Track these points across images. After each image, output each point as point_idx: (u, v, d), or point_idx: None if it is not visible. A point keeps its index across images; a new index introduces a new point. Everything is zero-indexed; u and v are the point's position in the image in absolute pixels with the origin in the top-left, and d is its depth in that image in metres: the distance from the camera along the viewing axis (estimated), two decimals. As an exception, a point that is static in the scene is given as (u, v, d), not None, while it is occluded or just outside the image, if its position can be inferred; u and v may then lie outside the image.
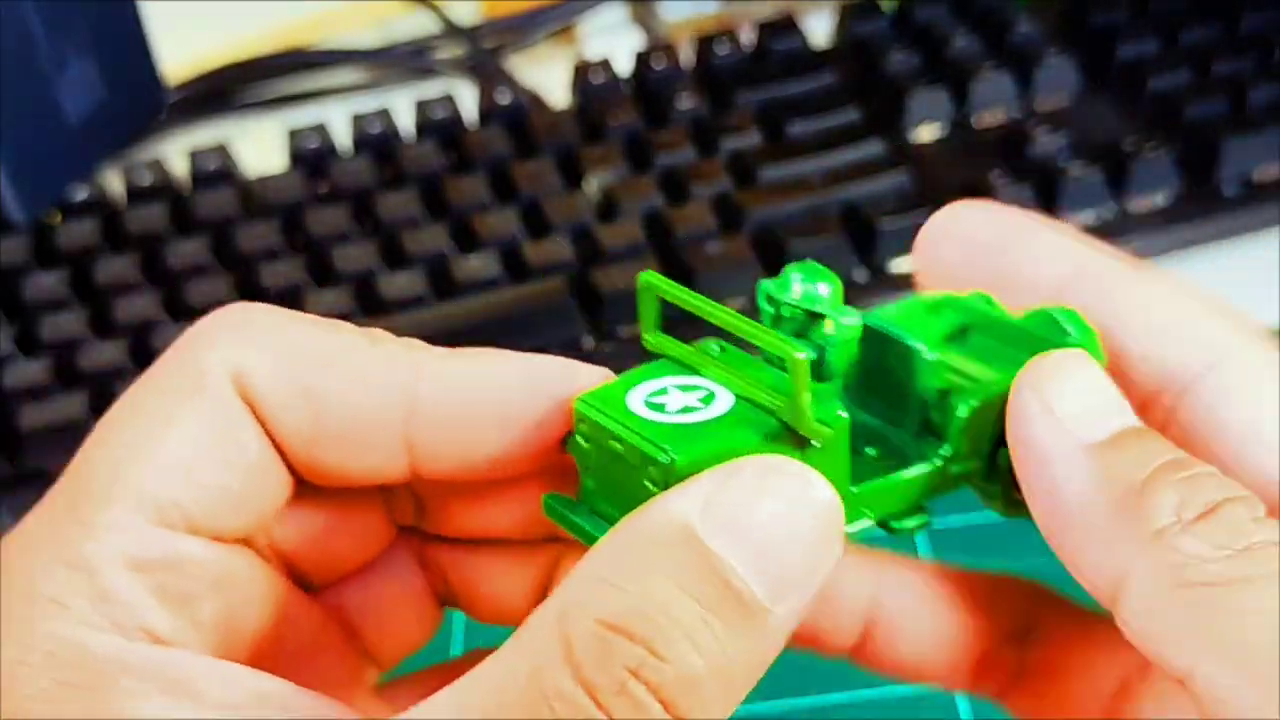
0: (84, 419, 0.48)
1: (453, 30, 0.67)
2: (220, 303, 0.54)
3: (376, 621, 0.27)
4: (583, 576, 0.21)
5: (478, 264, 0.51)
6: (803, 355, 0.22)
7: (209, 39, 0.68)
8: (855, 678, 0.38)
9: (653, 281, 0.25)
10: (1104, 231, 0.50)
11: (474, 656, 0.23)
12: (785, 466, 0.21)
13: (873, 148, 0.53)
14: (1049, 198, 0.50)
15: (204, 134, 0.65)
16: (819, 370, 0.24)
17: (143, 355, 0.49)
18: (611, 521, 0.23)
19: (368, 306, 0.50)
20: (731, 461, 0.21)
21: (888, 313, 0.26)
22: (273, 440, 0.24)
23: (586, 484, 0.24)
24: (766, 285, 0.25)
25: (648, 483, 0.23)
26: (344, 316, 0.49)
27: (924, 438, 0.25)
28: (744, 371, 0.24)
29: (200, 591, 0.23)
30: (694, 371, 0.25)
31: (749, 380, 0.24)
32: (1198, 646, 0.20)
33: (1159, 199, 0.51)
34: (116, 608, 0.22)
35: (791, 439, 0.23)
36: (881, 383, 0.25)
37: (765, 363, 0.24)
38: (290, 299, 0.50)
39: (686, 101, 0.56)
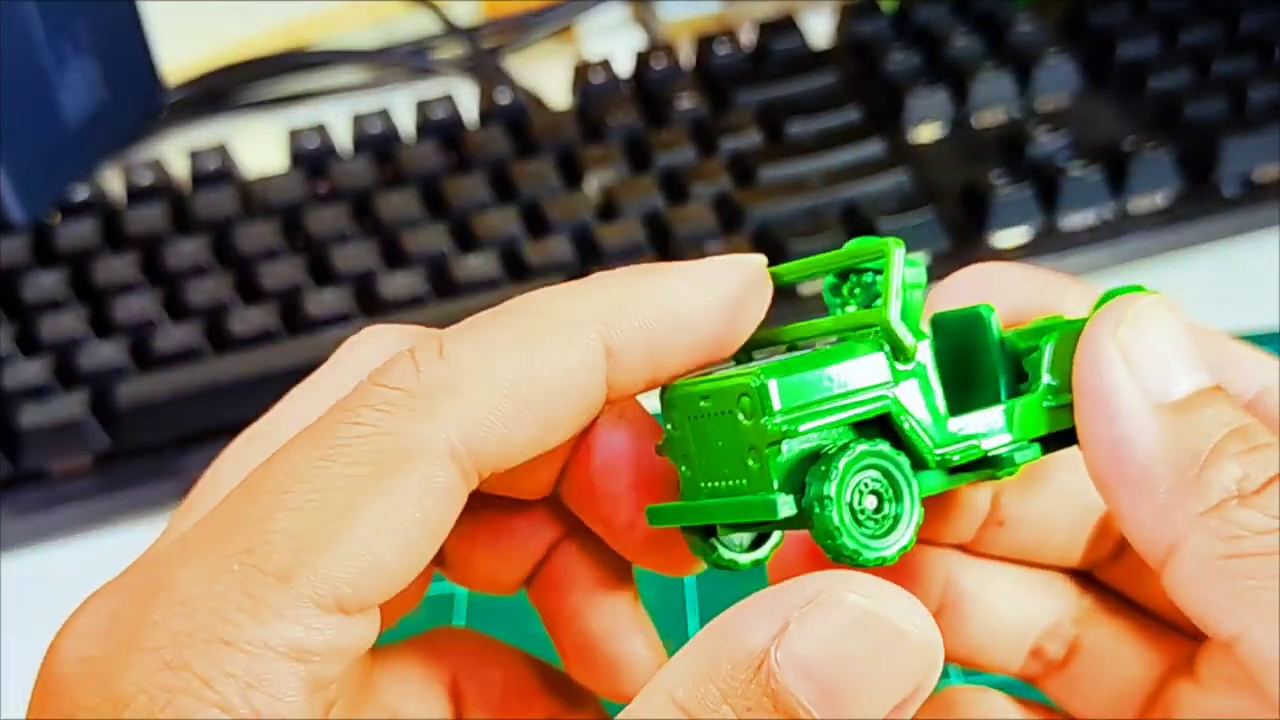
0: (84, 419, 0.48)
1: (453, 30, 0.67)
2: (220, 302, 0.54)
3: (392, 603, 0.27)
4: (659, 689, 0.20)
5: (478, 264, 0.51)
6: (898, 244, 0.23)
7: (209, 39, 0.68)
8: None
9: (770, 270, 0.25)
10: (1104, 231, 0.50)
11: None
12: (859, 601, 0.20)
13: (873, 148, 0.53)
14: (1049, 198, 0.50)
15: (204, 134, 0.65)
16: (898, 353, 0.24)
17: (143, 355, 0.49)
18: (717, 495, 0.23)
19: (368, 306, 0.50)
20: (811, 582, 0.20)
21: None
22: (485, 470, 0.23)
23: (684, 474, 0.24)
24: (831, 280, 0.26)
25: (741, 416, 0.22)
26: (344, 317, 0.50)
27: (1019, 391, 0.25)
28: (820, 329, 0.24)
29: (340, 672, 0.22)
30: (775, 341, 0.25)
31: (829, 324, 0.24)
32: (1247, 613, 0.21)
33: (1159, 199, 0.51)
34: (263, 696, 0.21)
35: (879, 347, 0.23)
36: (964, 368, 0.25)
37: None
38: (290, 299, 0.50)
39: (686, 101, 0.56)
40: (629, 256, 0.50)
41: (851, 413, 0.23)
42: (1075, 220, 0.50)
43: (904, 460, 0.23)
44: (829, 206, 0.51)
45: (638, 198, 0.52)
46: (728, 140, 0.54)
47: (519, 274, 0.51)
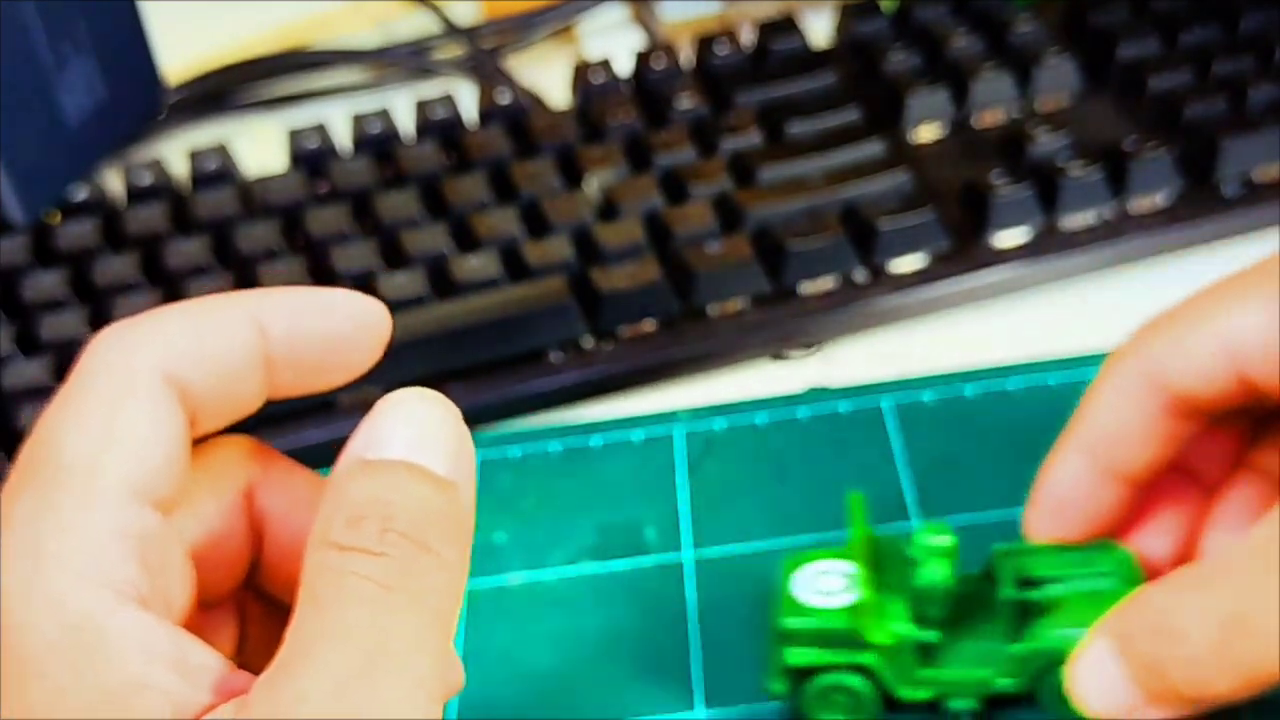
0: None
1: (453, 30, 0.67)
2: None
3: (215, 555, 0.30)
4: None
5: (478, 264, 0.51)
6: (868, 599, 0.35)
7: (209, 39, 0.68)
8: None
9: (853, 503, 0.37)
10: (1104, 231, 0.50)
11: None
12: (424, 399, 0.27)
13: (873, 148, 0.53)
14: (1049, 198, 0.50)
15: (204, 134, 0.65)
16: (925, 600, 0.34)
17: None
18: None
19: (368, 306, 0.50)
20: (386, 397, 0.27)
21: (1007, 552, 0.36)
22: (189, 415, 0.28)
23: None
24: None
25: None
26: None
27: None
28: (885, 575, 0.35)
29: (161, 563, 0.26)
30: (859, 562, 0.35)
31: (868, 582, 0.35)
32: None
33: (1159, 199, 0.51)
34: (111, 569, 0.25)
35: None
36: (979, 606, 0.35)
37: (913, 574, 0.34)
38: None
39: (686, 101, 0.56)
40: (629, 256, 0.50)
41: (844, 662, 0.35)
42: (1075, 220, 0.50)
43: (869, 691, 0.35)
44: (829, 206, 0.51)
45: (638, 198, 0.52)
46: (728, 140, 0.54)
47: (519, 274, 0.51)
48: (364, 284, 0.51)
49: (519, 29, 0.67)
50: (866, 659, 0.34)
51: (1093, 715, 0.32)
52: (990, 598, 0.35)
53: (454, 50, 0.67)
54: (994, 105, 0.55)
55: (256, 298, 0.29)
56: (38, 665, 0.24)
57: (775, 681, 0.35)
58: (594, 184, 0.54)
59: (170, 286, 0.52)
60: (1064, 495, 0.35)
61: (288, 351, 0.29)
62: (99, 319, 0.51)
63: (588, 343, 0.49)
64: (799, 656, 0.35)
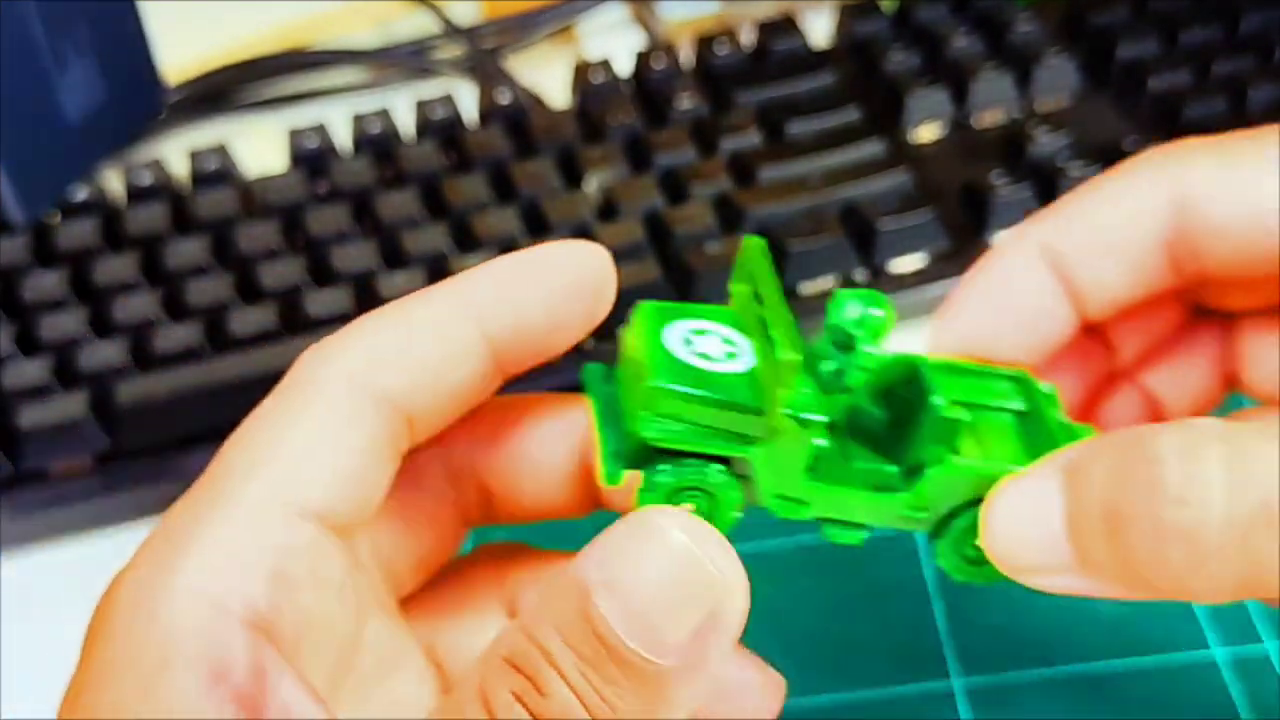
0: (84, 419, 0.48)
1: (453, 30, 0.67)
2: (220, 302, 0.54)
3: (410, 560, 0.30)
4: (521, 620, 0.24)
5: (478, 264, 0.50)
6: (790, 357, 0.25)
7: (209, 39, 0.68)
8: (856, 678, 0.38)
9: (750, 249, 0.28)
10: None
11: (506, 548, 0.30)
12: (664, 526, 0.23)
13: (873, 148, 0.53)
14: (1049, 198, 0.50)
15: (204, 134, 0.65)
16: (838, 380, 0.27)
17: (143, 355, 0.49)
18: (620, 415, 0.27)
19: (368, 306, 0.50)
20: (629, 517, 0.24)
21: (924, 359, 0.28)
22: (390, 426, 0.27)
23: (618, 372, 0.28)
24: (839, 296, 0.28)
25: (635, 397, 0.26)
26: (344, 317, 0.50)
27: (908, 478, 0.27)
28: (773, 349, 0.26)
29: (308, 578, 0.26)
30: (743, 330, 0.27)
31: (768, 358, 0.26)
32: None
33: (1159, 199, 0.51)
34: (228, 585, 0.25)
35: (760, 416, 0.26)
36: (894, 414, 0.28)
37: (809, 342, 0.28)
38: (290, 299, 0.50)
39: (686, 101, 0.56)
40: (629, 256, 0.50)
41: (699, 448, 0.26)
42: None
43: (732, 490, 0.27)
44: (829, 206, 0.51)
45: (638, 198, 0.52)
46: (728, 140, 0.54)
47: (519, 274, 0.51)
48: (364, 284, 0.51)
49: (519, 29, 0.67)
50: (751, 453, 0.26)
51: (1006, 567, 0.26)
52: (905, 410, 0.27)
53: (454, 50, 0.67)
54: (994, 105, 0.55)
55: (463, 286, 0.28)
56: (116, 676, 0.24)
57: (609, 464, 0.27)
58: (594, 184, 0.54)
59: (170, 286, 0.52)
60: (1017, 302, 0.30)
61: (510, 333, 0.28)
62: (99, 319, 0.51)
63: (588, 343, 0.49)
64: (663, 433, 0.26)
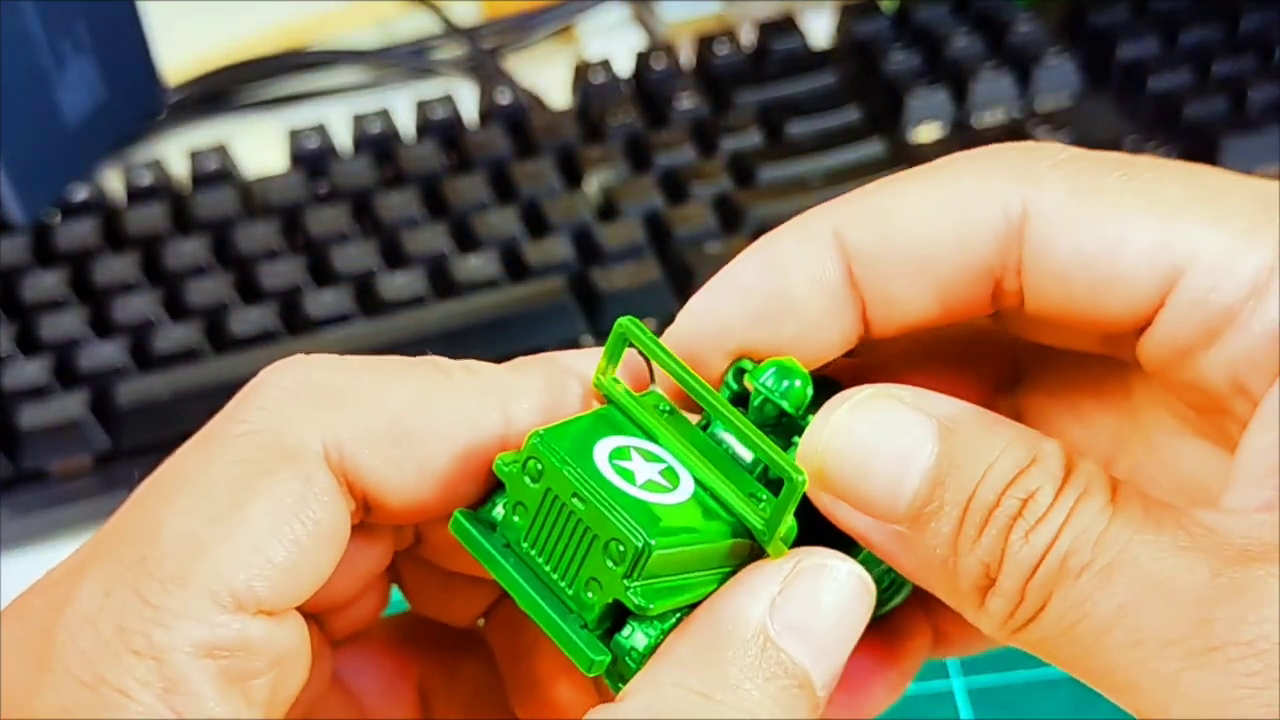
0: (84, 419, 0.48)
1: (453, 30, 0.67)
2: (220, 302, 0.54)
3: (344, 615, 0.28)
4: (669, 684, 0.22)
5: (477, 264, 0.51)
6: (803, 478, 0.22)
7: (209, 39, 0.68)
8: None
9: (630, 329, 0.24)
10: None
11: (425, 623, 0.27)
12: (835, 564, 0.23)
13: (873, 148, 0.53)
14: (1049, 198, 0.50)
15: (204, 134, 0.65)
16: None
17: (143, 355, 0.49)
18: (539, 575, 0.23)
19: (368, 306, 0.50)
20: (785, 557, 0.23)
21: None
22: (362, 494, 0.24)
23: (511, 519, 0.23)
24: (742, 364, 0.25)
25: (609, 560, 0.22)
26: (344, 317, 0.49)
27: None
28: (700, 450, 0.24)
29: (260, 669, 0.23)
30: (650, 436, 0.24)
31: (712, 470, 0.23)
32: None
33: (1159, 199, 0.51)
34: (182, 699, 0.22)
35: (750, 541, 0.23)
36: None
37: (708, 434, 0.24)
38: (290, 299, 0.50)
39: (686, 101, 0.56)
40: (629, 257, 0.50)
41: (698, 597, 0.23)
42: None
43: None
44: (829, 206, 0.51)
45: (638, 198, 0.52)
46: (728, 140, 0.54)
47: (519, 274, 0.51)
48: (364, 284, 0.51)
49: (519, 29, 0.67)
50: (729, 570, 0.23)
51: (835, 482, 0.23)
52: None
53: (454, 50, 0.67)
54: (994, 105, 0.55)
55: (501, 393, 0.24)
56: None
57: (588, 647, 0.22)
58: (594, 184, 0.54)
59: (170, 286, 0.52)
60: (791, 294, 0.26)
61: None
62: (99, 319, 0.51)
63: (587, 343, 0.49)
64: (663, 599, 0.22)
